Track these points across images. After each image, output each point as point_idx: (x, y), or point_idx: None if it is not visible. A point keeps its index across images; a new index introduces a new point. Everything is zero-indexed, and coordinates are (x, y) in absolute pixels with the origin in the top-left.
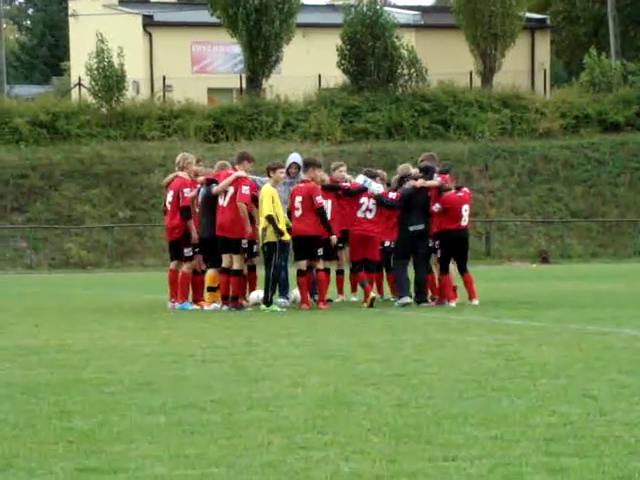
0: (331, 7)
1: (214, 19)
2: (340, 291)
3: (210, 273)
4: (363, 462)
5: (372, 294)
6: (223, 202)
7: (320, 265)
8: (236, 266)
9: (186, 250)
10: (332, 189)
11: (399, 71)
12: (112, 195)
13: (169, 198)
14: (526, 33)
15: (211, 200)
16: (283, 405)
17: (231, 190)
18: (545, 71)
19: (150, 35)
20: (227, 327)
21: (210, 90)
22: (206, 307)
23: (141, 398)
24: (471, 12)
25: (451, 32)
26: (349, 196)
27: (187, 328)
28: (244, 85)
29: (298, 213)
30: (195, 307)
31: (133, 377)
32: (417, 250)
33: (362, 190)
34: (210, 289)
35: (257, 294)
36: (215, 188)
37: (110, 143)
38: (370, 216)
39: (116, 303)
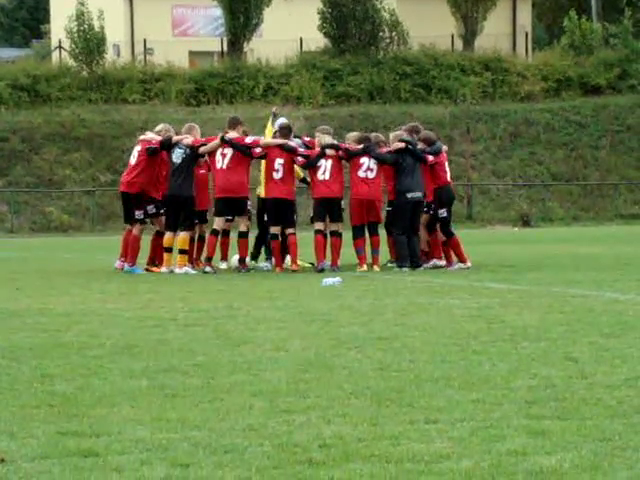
0: None
1: None
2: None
3: (183, 236)
4: (345, 425)
5: (365, 266)
6: (221, 164)
7: (291, 229)
8: (243, 228)
9: (137, 212)
10: (333, 148)
11: (380, 34)
12: (93, 159)
13: (135, 152)
14: None
15: (192, 161)
16: (265, 369)
17: (229, 152)
18: (527, 34)
19: None
20: (209, 291)
21: (191, 53)
22: (177, 270)
23: (123, 362)
24: None
25: None
26: (350, 155)
27: (169, 292)
28: (225, 48)
29: (278, 175)
30: (154, 270)
31: (115, 341)
32: (414, 218)
33: (363, 151)
34: (182, 251)
35: (237, 257)
36: (202, 148)
37: (91, 106)
38: (371, 175)
39: (98, 267)
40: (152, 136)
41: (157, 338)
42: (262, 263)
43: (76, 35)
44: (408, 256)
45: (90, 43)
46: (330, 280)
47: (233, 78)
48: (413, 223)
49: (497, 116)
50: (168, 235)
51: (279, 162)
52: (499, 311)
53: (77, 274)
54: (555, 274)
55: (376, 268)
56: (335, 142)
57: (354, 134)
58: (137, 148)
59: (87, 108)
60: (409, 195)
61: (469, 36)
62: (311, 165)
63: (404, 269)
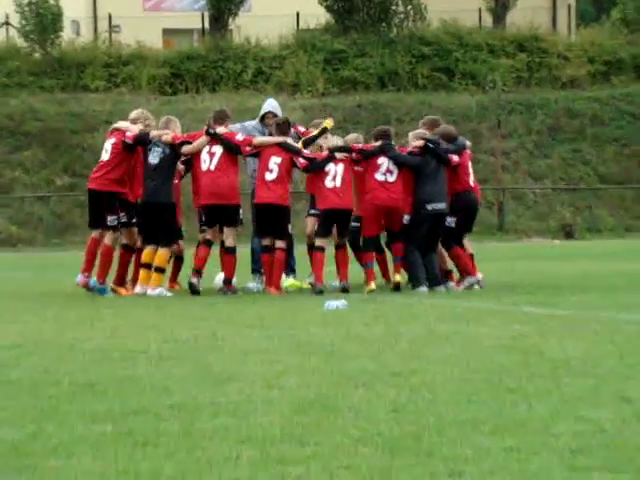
0: None
1: None
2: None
3: (161, 252)
4: (351, 479)
5: (373, 284)
6: (209, 165)
7: (281, 243)
8: (230, 242)
9: (110, 218)
10: (345, 151)
11: (393, 8)
12: (48, 158)
13: (107, 145)
14: None
15: (172, 162)
16: (255, 411)
17: (219, 151)
18: (569, 7)
19: None
20: (188, 317)
21: (166, 31)
22: (150, 292)
23: (83, 403)
24: None
25: None
26: (365, 158)
27: (139, 318)
28: (207, 25)
29: (271, 176)
30: (124, 292)
31: (74, 378)
32: (434, 233)
33: (380, 150)
34: (158, 269)
35: (221, 277)
36: (186, 147)
37: (45, 95)
38: (391, 179)
39: (54, 288)
40: (126, 125)
41: (124, 374)
42: (250, 283)
43: (27, 9)
44: (423, 276)
45: (44, 19)
46: (334, 304)
47: (216, 61)
48: (432, 239)
49: (534, 106)
50: (148, 249)
51: (275, 161)
52: (537, 341)
53: (28, 297)
54: (604, 296)
55: (398, 277)
56: (343, 143)
57: (352, 136)
58: (110, 141)
59: (40, 97)
60: (429, 206)
61: (500, 10)
62: (316, 169)
63: (422, 290)
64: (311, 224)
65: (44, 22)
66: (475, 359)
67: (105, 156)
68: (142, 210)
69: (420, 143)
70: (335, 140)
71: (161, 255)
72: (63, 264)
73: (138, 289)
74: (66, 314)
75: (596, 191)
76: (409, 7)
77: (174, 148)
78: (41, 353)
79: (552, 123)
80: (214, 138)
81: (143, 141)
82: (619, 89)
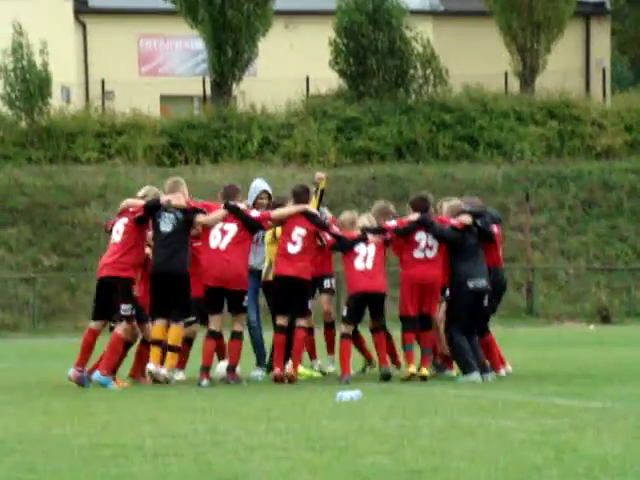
0: None
1: (168, 5)
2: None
3: (175, 328)
4: None
5: (414, 367)
6: (219, 243)
7: (302, 321)
8: (239, 327)
9: (124, 307)
10: (378, 232)
11: (412, 72)
12: (34, 236)
13: (119, 226)
14: (579, 21)
15: (186, 228)
16: None
17: (232, 230)
18: (604, 71)
19: (84, 26)
20: (188, 410)
21: (164, 98)
22: (163, 371)
23: None
24: None
25: (479, 20)
26: (401, 236)
27: (133, 411)
28: (208, 91)
29: (294, 249)
30: (117, 386)
31: (61, 477)
32: (477, 313)
33: (418, 224)
34: (172, 348)
35: (225, 366)
36: (201, 218)
37: (32, 167)
38: (431, 255)
39: (40, 379)
40: (130, 201)
41: (117, 473)
42: (255, 372)
43: (12, 74)
44: (473, 362)
45: (31, 85)
46: (347, 394)
47: (219, 130)
48: (474, 320)
49: (566, 178)
50: (158, 324)
51: (299, 233)
52: (570, 436)
53: (12, 388)
54: None
55: (425, 371)
56: (375, 225)
57: (380, 205)
58: (122, 221)
59: (26, 170)
60: (471, 283)
61: (528, 74)
62: (345, 249)
63: (474, 377)
64: (326, 301)
65: (31, 89)
66: (502, 456)
67: (117, 238)
68: (154, 281)
69: (468, 220)
70: (365, 219)
71: (175, 332)
72: (50, 352)
73: (152, 367)
74: (54, 406)
75: (635, 271)
76: (429, 71)
77: (187, 213)
78: (26, 450)
79: (586, 197)
80: (233, 213)
81: (153, 207)
82: None
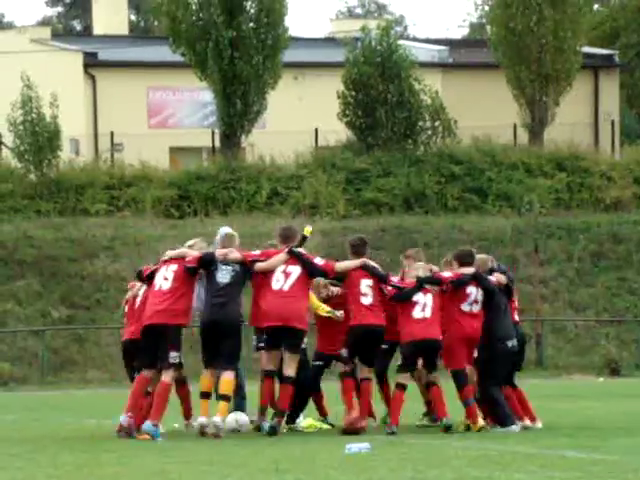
0: (330, 41)
1: (177, 57)
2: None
3: (228, 377)
4: None
5: (481, 422)
6: (282, 285)
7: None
8: (291, 372)
9: (173, 354)
10: (434, 283)
11: (420, 124)
12: (43, 288)
13: (168, 273)
14: (587, 74)
15: (243, 280)
16: None
17: (296, 272)
18: (613, 123)
19: (93, 78)
20: (197, 462)
21: (173, 150)
22: (219, 422)
23: None
24: (514, 47)
25: (488, 73)
26: (456, 287)
27: (143, 464)
28: (217, 143)
29: (367, 300)
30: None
31: None
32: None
33: (473, 277)
34: (224, 397)
35: (235, 417)
36: (260, 265)
37: (41, 220)
38: (476, 309)
39: (48, 431)
40: (180, 252)
41: None
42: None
43: (21, 127)
44: (511, 415)
45: (40, 138)
46: (355, 446)
47: (228, 182)
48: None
49: (575, 230)
50: (205, 374)
51: (367, 284)
52: None
53: (20, 441)
54: None
55: (482, 422)
56: (430, 274)
57: (420, 265)
58: (171, 267)
59: (35, 222)
60: (510, 343)
61: (536, 126)
62: (404, 299)
63: (514, 428)
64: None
65: (40, 141)
66: None
67: (166, 285)
68: (207, 330)
69: (503, 279)
70: (421, 271)
71: (228, 381)
72: (59, 404)
73: (202, 420)
74: (62, 459)
75: None
76: (437, 123)
77: (245, 265)
78: None
79: (595, 249)
80: (296, 258)
81: (209, 262)
82: None
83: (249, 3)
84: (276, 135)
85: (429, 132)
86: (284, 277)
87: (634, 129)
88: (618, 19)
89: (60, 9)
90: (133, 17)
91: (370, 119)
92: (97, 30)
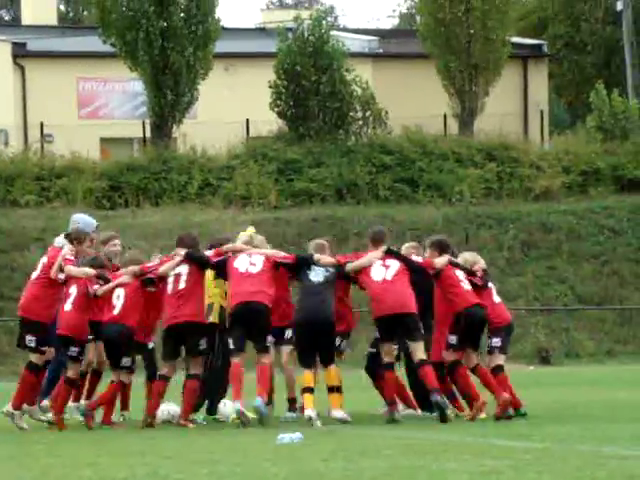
0: (261, 31)
1: (107, 48)
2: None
3: (335, 370)
4: None
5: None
6: (385, 275)
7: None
8: (422, 354)
9: (270, 339)
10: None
11: (351, 114)
12: None
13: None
14: (516, 64)
15: (335, 279)
16: None
17: (395, 263)
18: (542, 113)
19: (22, 69)
20: (126, 453)
21: (103, 140)
22: (338, 414)
23: None
24: (443, 37)
25: (418, 63)
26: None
27: (74, 455)
28: (148, 134)
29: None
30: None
31: None
32: None
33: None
34: (338, 389)
35: (167, 408)
36: (353, 264)
37: None
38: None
39: None
40: (278, 253)
41: None
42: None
43: None
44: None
45: None
46: (287, 437)
47: (159, 172)
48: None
49: (505, 219)
50: (307, 372)
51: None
52: (511, 477)
53: None
54: (584, 428)
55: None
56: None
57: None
58: (257, 257)
59: None
60: None
61: (467, 116)
62: None
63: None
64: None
65: None
66: None
67: (254, 269)
68: (303, 329)
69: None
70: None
71: (336, 372)
72: None
73: (311, 413)
74: None
75: (573, 312)
76: (368, 113)
77: (338, 269)
78: None
79: (525, 238)
80: (393, 254)
81: (306, 263)
82: (597, 201)
83: None
84: (208, 126)
85: (360, 122)
86: (384, 269)
87: (563, 119)
88: (546, 9)
89: None
90: (62, 7)
91: (302, 109)
92: (26, 20)
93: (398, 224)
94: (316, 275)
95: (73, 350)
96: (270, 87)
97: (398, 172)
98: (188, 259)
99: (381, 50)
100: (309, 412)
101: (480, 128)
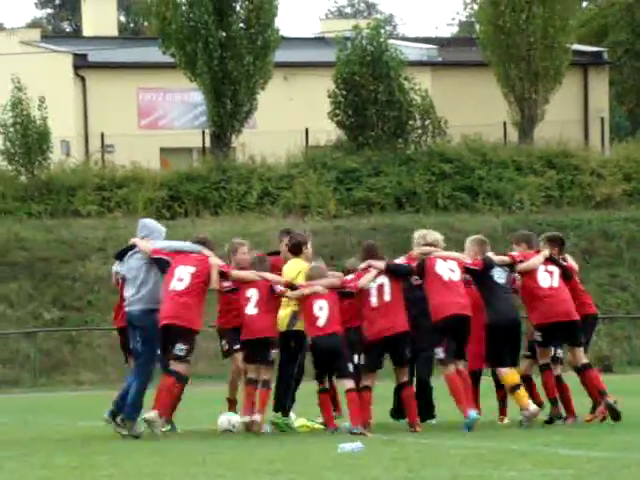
0: (321, 41)
1: (167, 58)
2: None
3: (513, 371)
4: None
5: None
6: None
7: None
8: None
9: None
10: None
11: (410, 123)
12: (35, 290)
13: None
14: (577, 71)
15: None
16: None
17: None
18: (602, 120)
19: (83, 80)
20: (190, 462)
21: (163, 151)
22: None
23: None
24: (503, 45)
25: (477, 71)
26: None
27: (136, 465)
28: (207, 144)
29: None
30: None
31: None
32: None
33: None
34: (520, 386)
35: (227, 418)
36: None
37: (32, 222)
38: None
39: (41, 433)
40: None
41: None
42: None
43: (12, 130)
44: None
45: (30, 139)
46: (348, 446)
47: (218, 182)
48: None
49: (565, 227)
50: (508, 371)
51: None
52: None
53: (13, 443)
54: None
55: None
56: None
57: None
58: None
59: (27, 224)
60: None
61: (526, 124)
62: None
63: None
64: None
65: (30, 143)
66: None
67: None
68: (505, 329)
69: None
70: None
71: (512, 373)
72: (51, 406)
73: (532, 407)
74: (55, 461)
75: (636, 320)
76: (427, 122)
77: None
78: None
79: (586, 246)
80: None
81: (491, 266)
82: None
83: (239, 3)
84: (267, 135)
85: (419, 131)
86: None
87: (624, 126)
88: (607, 16)
89: (50, 11)
90: (122, 18)
91: (360, 118)
92: (87, 31)
93: (457, 232)
94: (499, 277)
95: (274, 353)
96: (329, 96)
97: (457, 180)
98: (387, 270)
99: (440, 58)
100: (532, 407)
101: (540, 136)
